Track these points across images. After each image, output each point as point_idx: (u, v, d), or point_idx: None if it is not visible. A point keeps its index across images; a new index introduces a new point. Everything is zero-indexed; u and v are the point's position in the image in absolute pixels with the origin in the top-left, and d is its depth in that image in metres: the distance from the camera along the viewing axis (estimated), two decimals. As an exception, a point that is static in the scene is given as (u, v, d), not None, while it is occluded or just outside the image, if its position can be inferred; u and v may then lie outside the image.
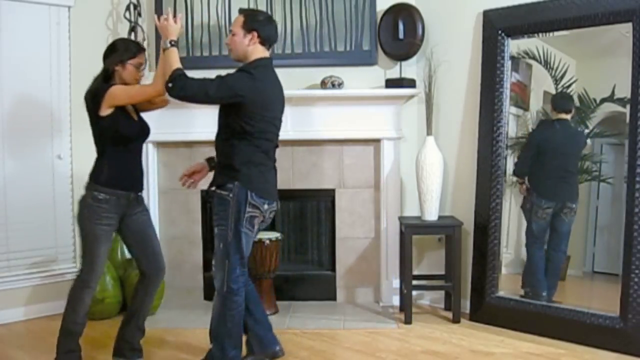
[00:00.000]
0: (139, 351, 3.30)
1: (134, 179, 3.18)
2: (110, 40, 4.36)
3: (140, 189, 3.23)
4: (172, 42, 2.99)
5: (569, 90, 3.75)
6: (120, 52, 3.10)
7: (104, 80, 3.08)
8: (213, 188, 3.07)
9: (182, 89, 2.90)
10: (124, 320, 3.30)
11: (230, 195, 2.98)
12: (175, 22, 3.03)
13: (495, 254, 3.91)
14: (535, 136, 3.90)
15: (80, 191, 4.28)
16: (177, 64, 2.95)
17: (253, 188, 3.01)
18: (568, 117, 3.78)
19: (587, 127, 3.71)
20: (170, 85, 2.90)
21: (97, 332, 3.85)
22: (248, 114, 2.97)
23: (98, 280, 3.14)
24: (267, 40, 3.08)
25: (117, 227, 3.14)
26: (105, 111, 2.99)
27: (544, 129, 3.88)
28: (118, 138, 3.06)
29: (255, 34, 3.03)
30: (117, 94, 2.99)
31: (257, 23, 3.05)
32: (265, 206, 3.06)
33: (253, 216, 3.03)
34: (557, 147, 3.84)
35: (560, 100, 3.81)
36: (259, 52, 3.06)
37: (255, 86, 2.97)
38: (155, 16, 3.07)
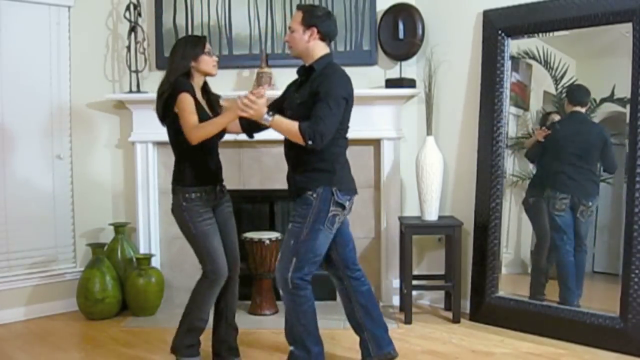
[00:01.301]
0: (235, 349, 3.29)
1: (215, 173, 3.18)
2: (110, 40, 4.42)
3: (221, 179, 3.22)
4: (270, 113, 2.87)
5: (569, 90, 3.76)
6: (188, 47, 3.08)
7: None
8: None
9: (321, 140, 2.87)
10: (215, 321, 3.27)
11: (314, 195, 2.98)
12: (259, 96, 2.88)
13: (495, 254, 3.91)
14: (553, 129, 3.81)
15: (80, 191, 4.34)
16: (291, 122, 2.88)
17: (340, 187, 3.03)
18: (583, 110, 3.71)
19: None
20: (310, 143, 2.85)
21: (97, 331, 3.85)
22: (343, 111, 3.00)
23: (225, 275, 3.11)
24: (327, 36, 3.05)
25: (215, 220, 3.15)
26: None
27: (560, 122, 3.79)
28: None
29: (315, 29, 2.99)
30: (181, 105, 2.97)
31: (316, 18, 3.01)
32: (348, 203, 3.09)
33: (335, 214, 3.03)
34: (565, 141, 3.76)
35: (575, 93, 3.73)
36: (320, 48, 3.03)
37: (349, 82, 3.04)
38: (239, 101, 2.85)
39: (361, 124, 4.25)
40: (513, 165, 3.99)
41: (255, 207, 4.71)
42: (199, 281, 3.12)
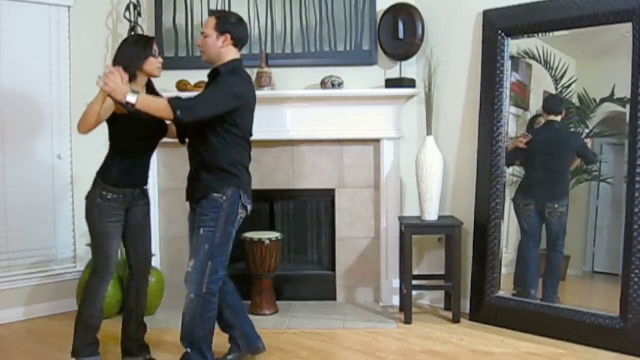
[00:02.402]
0: (146, 347, 3.32)
1: (139, 176, 3.21)
2: (110, 40, 4.42)
3: (145, 183, 3.25)
4: (133, 92, 2.85)
5: (568, 90, 3.75)
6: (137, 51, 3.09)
7: None
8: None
9: (191, 113, 2.87)
10: (125, 320, 3.32)
11: (224, 197, 3.00)
12: (116, 76, 2.86)
13: (495, 254, 3.91)
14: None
15: (80, 191, 4.33)
16: (160, 98, 2.97)
17: (244, 190, 3.07)
18: (557, 118, 3.82)
19: (587, 127, 3.72)
20: (179, 113, 2.84)
21: (97, 332, 3.85)
22: (240, 115, 3.01)
23: (113, 273, 3.22)
24: (240, 42, 3.13)
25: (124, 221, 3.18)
26: None
27: (536, 130, 3.91)
28: (127, 138, 3.10)
29: (229, 36, 3.07)
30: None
31: (230, 25, 3.09)
32: (249, 207, 3.13)
33: (241, 217, 3.09)
34: (540, 148, 3.86)
35: (549, 102, 3.86)
36: (232, 53, 3.10)
37: (249, 87, 3.08)
38: (98, 78, 2.86)
39: (361, 124, 4.28)
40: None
41: (255, 207, 4.70)
42: (89, 278, 3.17)
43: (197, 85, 4.14)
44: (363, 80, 4.31)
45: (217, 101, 2.93)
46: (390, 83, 4.25)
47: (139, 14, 4.30)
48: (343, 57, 4.33)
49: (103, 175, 3.10)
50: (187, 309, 3.03)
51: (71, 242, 4.34)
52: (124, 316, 3.32)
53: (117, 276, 4.14)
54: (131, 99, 2.81)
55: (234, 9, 4.29)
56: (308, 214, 4.68)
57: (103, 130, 4.42)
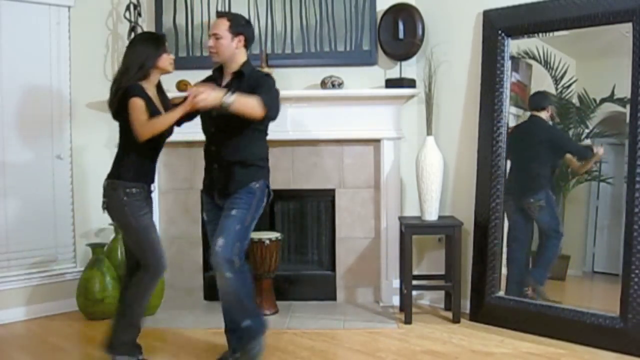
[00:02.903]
0: (138, 347, 3.30)
1: (153, 173, 3.23)
2: (110, 40, 4.42)
3: (153, 181, 3.27)
4: (229, 93, 2.95)
5: (569, 90, 3.75)
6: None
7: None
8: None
9: (276, 112, 3.07)
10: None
11: (257, 185, 3.18)
12: (206, 88, 2.97)
13: (495, 254, 3.91)
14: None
15: (80, 191, 4.34)
16: (252, 96, 2.98)
17: (268, 183, 3.26)
18: (541, 114, 3.86)
19: (587, 127, 3.72)
20: (270, 112, 3.01)
21: (97, 331, 3.85)
22: None
23: (166, 265, 3.18)
24: (250, 43, 3.23)
25: None
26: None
27: (516, 126, 3.99)
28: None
29: (243, 37, 3.15)
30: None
31: (242, 27, 3.17)
32: (270, 196, 3.30)
33: (264, 206, 3.27)
34: (514, 143, 3.92)
35: (531, 99, 3.95)
36: (244, 54, 3.20)
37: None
38: (191, 96, 2.94)
39: (361, 124, 4.28)
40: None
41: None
42: (140, 275, 3.12)
43: (197, 86, 4.14)
44: (363, 80, 4.31)
45: (279, 102, 3.12)
46: (390, 83, 4.25)
47: (139, 14, 4.30)
48: (343, 57, 4.33)
49: (121, 174, 3.09)
50: (228, 289, 3.07)
51: (71, 242, 4.35)
52: (116, 317, 3.27)
53: (118, 277, 4.14)
54: (228, 99, 2.91)
55: (234, 9, 4.30)
56: (308, 214, 4.68)
57: (103, 130, 4.45)
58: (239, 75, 3.16)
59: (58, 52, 4.24)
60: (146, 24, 4.35)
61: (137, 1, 4.29)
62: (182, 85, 4.22)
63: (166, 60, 3.13)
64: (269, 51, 4.30)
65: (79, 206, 4.36)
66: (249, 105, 2.95)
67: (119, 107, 3.06)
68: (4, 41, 4.03)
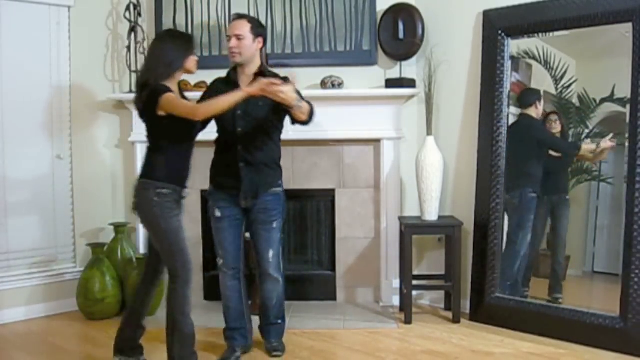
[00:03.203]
0: (140, 349, 3.30)
1: (186, 175, 3.16)
2: (110, 40, 4.42)
3: (187, 185, 3.20)
4: (299, 98, 3.09)
5: (569, 90, 3.75)
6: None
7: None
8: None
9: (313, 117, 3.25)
10: (125, 318, 3.28)
11: (281, 189, 3.38)
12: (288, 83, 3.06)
13: (495, 254, 3.91)
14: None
15: (80, 191, 4.34)
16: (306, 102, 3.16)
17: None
18: (528, 111, 3.94)
19: (587, 127, 3.72)
20: (310, 120, 3.23)
21: (97, 331, 3.85)
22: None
23: (192, 268, 3.05)
24: (265, 45, 3.32)
25: None
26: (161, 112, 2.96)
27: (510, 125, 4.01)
28: (184, 136, 3.06)
29: (262, 39, 3.25)
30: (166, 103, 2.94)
31: (262, 29, 3.28)
32: None
33: None
34: (508, 141, 3.94)
35: (520, 96, 3.99)
36: (259, 55, 3.27)
37: None
38: (265, 84, 2.96)
39: (361, 124, 4.28)
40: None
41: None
42: (175, 286, 2.99)
43: (197, 85, 4.14)
44: (363, 80, 4.31)
45: None
46: (390, 83, 4.25)
47: (139, 14, 4.30)
48: (343, 57, 4.33)
49: (153, 174, 3.01)
50: (275, 291, 3.39)
51: (71, 242, 4.35)
52: (125, 315, 3.28)
53: (118, 277, 4.15)
54: (300, 102, 3.08)
55: (234, 9, 4.30)
56: (308, 214, 4.68)
57: (103, 130, 4.45)
58: (261, 76, 3.18)
59: (58, 52, 4.24)
60: (146, 24, 4.35)
61: (137, 1, 4.29)
62: (182, 85, 4.21)
63: (192, 61, 3.09)
64: (269, 51, 4.29)
65: (79, 206, 4.36)
66: (305, 109, 3.12)
67: (145, 106, 2.98)
68: (4, 41, 4.03)
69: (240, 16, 3.26)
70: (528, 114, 3.92)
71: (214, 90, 3.25)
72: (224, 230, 3.31)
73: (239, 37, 3.16)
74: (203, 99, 3.25)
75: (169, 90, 2.94)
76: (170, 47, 3.03)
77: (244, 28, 3.16)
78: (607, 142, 3.63)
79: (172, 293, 3.00)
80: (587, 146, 3.73)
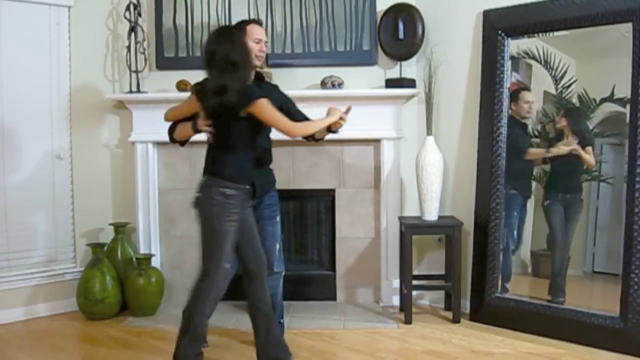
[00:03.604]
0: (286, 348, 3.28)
1: (260, 178, 3.18)
2: (110, 40, 4.42)
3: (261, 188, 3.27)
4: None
5: (569, 90, 3.75)
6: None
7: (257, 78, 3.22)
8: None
9: None
10: (257, 328, 3.16)
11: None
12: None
13: (495, 254, 3.91)
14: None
15: (80, 191, 4.34)
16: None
17: None
18: (510, 112, 3.96)
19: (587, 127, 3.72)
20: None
21: (97, 331, 3.85)
22: None
23: (224, 277, 3.02)
24: None
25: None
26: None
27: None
28: (249, 137, 3.06)
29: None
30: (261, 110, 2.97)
31: None
32: None
33: None
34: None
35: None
36: None
37: None
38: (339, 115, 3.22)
39: (361, 124, 4.26)
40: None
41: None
42: (199, 284, 2.99)
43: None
44: (363, 80, 4.31)
45: None
46: (390, 83, 4.25)
47: (139, 14, 4.30)
48: (343, 57, 4.33)
49: (219, 172, 2.99)
50: (279, 286, 3.48)
51: (71, 242, 4.35)
52: (256, 326, 3.13)
53: (118, 277, 4.15)
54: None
55: (234, 9, 4.31)
56: (308, 214, 4.68)
57: (103, 130, 4.45)
58: (259, 78, 3.30)
59: (58, 52, 4.24)
60: (146, 24, 4.35)
61: (137, 1, 4.29)
62: (182, 85, 4.22)
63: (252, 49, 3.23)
64: (268, 51, 4.30)
65: (79, 206, 4.36)
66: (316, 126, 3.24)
67: (235, 107, 2.94)
68: (4, 41, 4.02)
69: (260, 22, 3.41)
70: (510, 113, 3.96)
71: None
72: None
73: (265, 43, 3.34)
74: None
75: (262, 95, 2.98)
76: (245, 45, 3.04)
77: (265, 34, 3.37)
78: (560, 148, 3.74)
79: (197, 290, 2.99)
80: (535, 151, 3.88)
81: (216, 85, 2.89)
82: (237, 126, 2.99)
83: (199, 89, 3.02)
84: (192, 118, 3.13)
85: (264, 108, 2.94)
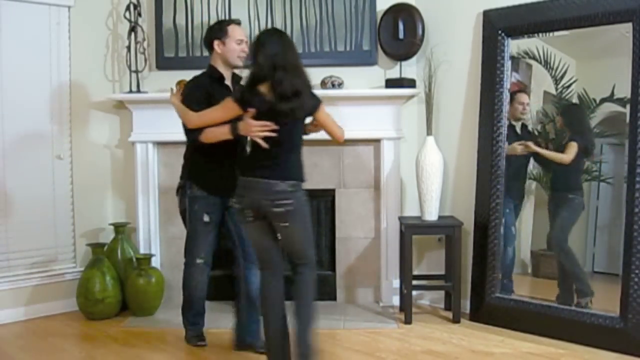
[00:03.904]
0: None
1: None
2: (110, 40, 4.42)
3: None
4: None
5: (569, 90, 3.75)
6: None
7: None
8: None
9: None
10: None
11: None
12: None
13: (495, 254, 3.91)
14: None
15: (80, 191, 4.34)
16: None
17: None
18: None
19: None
20: None
21: (97, 331, 3.85)
22: None
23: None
24: None
25: None
26: None
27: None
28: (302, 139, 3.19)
29: None
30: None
31: None
32: None
33: None
34: None
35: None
36: None
37: None
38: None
39: (361, 124, 4.27)
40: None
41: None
42: (310, 271, 3.24)
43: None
44: (363, 80, 4.31)
45: None
46: (390, 83, 4.25)
47: (139, 14, 4.30)
48: (343, 57, 4.33)
49: (301, 175, 3.12)
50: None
51: (71, 242, 4.35)
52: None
53: (118, 277, 4.15)
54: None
55: (234, 9, 4.31)
56: (308, 214, 4.67)
57: (103, 130, 4.45)
58: (237, 82, 3.37)
59: (58, 52, 4.24)
60: (146, 24, 4.35)
61: (137, 1, 4.29)
62: (181, 85, 4.22)
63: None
64: (269, 51, 4.30)
65: (79, 206, 4.36)
66: None
67: (308, 110, 3.05)
68: (4, 41, 4.02)
69: (239, 22, 3.45)
70: None
71: (202, 88, 3.33)
72: (209, 233, 3.46)
73: (247, 42, 3.36)
74: (193, 98, 3.28)
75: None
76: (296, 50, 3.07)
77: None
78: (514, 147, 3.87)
79: (306, 280, 3.21)
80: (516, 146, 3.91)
81: (292, 90, 2.93)
82: (301, 128, 3.13)
83: (245, 96, 3.01)
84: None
85: (325, 111, 3.11)
